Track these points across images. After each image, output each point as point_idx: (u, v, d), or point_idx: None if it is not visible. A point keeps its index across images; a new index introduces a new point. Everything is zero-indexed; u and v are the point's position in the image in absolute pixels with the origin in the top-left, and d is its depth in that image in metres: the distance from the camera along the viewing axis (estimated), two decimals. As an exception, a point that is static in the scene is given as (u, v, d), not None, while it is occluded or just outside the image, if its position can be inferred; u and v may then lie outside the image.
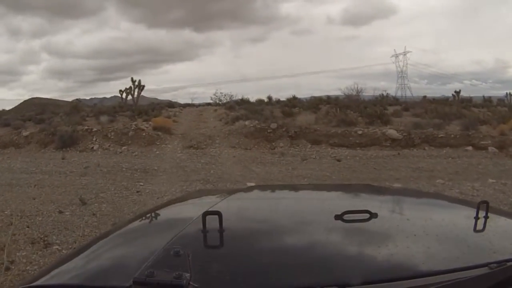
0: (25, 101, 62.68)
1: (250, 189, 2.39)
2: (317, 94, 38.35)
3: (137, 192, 8.97)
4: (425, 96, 43.70)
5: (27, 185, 10.00)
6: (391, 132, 15.81)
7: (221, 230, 1.09)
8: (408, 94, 47.94)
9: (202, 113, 29.19)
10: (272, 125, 15.04)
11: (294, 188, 3.04)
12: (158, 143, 15.30)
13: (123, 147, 15.08)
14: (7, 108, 47.33)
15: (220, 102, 36.71)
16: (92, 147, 15.57)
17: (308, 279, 0.92)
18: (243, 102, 34.45)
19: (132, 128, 15.66)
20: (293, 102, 33.30)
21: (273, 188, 2.86)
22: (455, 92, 39.54)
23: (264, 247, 1.14)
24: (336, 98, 35.60)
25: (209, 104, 43.24)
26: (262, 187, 3.05)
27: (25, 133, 18.06)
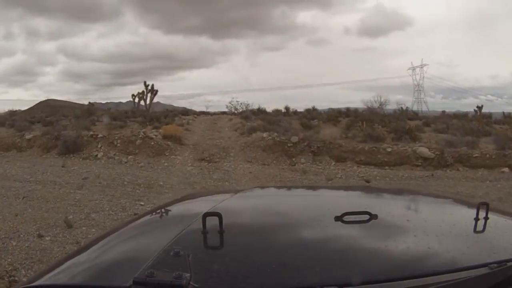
0: (40, 102, 62.11)
1: (250, 190, 2.36)
2: (333, 106, 37.12)
3: (135, 215, 7.57)
4: (443, 111, 41.70)
5: (15, 196, 8.91)
6: (423, 150, 14.22)
7: (221, 231, 1.08)
8: (424, 108, 46.19)
9: (217, 121, 27.92)
10: (293, 139, 13.63)
11: (294, 189, 3.10)
12: (167, 154, 13.99)
13: (129, 157, 13.81)
14: (23, 108, 46.53)
15: (236, 111, 35.29)
16: (96, 155, 14.35)
17: (308, 279, 0.92)
18: (259, 112, 33.12)
19: (140, 136, 14.39)
20: (312, 113, 31.83)
21: (273, 189, 2.97)
22: (477, 107, 37.58)
23: (264, 248, 1.13)
24: (355, 110, 34.23)
25: (224, 112, 42.17)
26: (262, 188, 3.00)
27: (28, 136, 16.96)
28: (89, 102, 40.90)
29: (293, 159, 13.34)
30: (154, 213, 1.72)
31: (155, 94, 27.30)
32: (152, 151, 13.98)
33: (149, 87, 27.08)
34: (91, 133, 15.52)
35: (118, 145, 14.46)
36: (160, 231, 1.34)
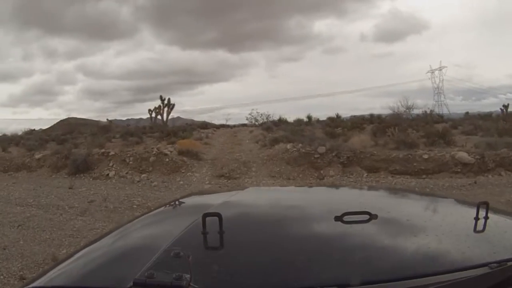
0: (61, 120, 62.33)
1: (250, 190, 2.35)
2: (353, 113, 35.60)
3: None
4: (467, 112, 40.71)
5: (10, 224, 7.97)
6: (462, 155, 12.70)
7: (221, 231, 1.09)
8: (445, 111, 44.26)
9: (237, 134, 26.77)
10: (319, 149, 12.32)
11: (294, 189, 3.20)
12: (183, 171, 12.83)
13: (142, 175, 12.71)
14: (44, 127, 46.46)
15: (256, 123, 34.06)
16: (107, 174, 13.33)
17: (308, 279, 0.92)
18: (281, 122, 31.87)
19: (154, 152, 13.28)
20: (336, 121, 30.43)
21: (273, 189, 3.13)
22: (504, 106, 35.71)
23: (264, 248, 1.13)
24: (379, 116, 33.07)
25: (244, 125, 41.36)
26: (262, 189, 3.15)
27: (37, 156, 16.12)
28: (107, 119, 40.22)
29: (321, 171, 12.02)
30: (154, 214, 1.68)
31: (172, 108, 26.29)
32: (167, 168, 12.86)
33: (166, 101, 26.08)
34: (102, 150, 14.47)
35: (131, 162, 13.41)
36: (160, 232, 1.34)
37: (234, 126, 41.12)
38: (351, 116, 37.35)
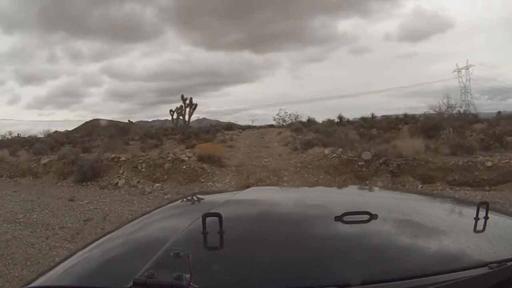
0: (86, 122, 61.89)
1: (250, 190, 2.34)
2: (378, 113, 33.42)
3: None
4: (499, 112, 38.63)
5: None
6: (532, 161, 10.56)
7: (221, 231, 1.08)
8: (473, 111, 41.58)
9: (264, 136, 24.87)
10: (364, 155, 10.27)
11: (294, 189, 3.20)
12: (202, 180, 10.99)
13: (156, 184, 10.96)
14: (70, 128, 45.75)
15: (284, 123, 31.92)
16: (117, 183, 11.67)
17: (308, 279, 0.92)
18: (310, 123, 29.77)
19: (169, 158, 11.47)
20: (369, 122, 28.15)
21: (273, 189, 3.07)
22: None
23: (264, 248, 1.12)
24: (413, 116, 31.39)
25: (271, 125, 39.55)
26: (262, 189, 3.05)
27: (44, 161, 14.62)
28: (128, 120, 38.90)
29: (367, 182, 9.98)
30: (154, 214, 1.64)
31: (194, 109, 24.43)
32: (184, 177, 11.05)
33: (187, 101, 24.31)
34: (113, 155, 12.77)
35: (143, 170, 11.68)
36: (160, 232, 1.34)
37: (260, 127, 39.54)
38: (382, 116, 34.94)
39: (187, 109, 24.45)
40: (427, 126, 20.72)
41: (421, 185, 10.15)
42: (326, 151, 10.78)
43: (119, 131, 27.69)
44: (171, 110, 25.65)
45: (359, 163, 10.11)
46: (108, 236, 1.38)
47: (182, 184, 10.81)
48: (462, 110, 31.45)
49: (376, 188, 2.81)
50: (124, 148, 20.42)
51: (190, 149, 13.39)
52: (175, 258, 0.94)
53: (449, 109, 26.89)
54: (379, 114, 34.13)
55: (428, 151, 13.30)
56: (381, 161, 10.30)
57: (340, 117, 31.79)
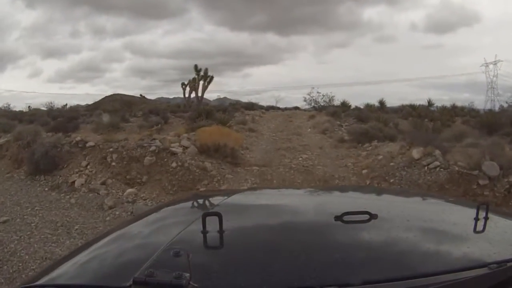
0: (106, 96, 59.04)
1: (250, 190, 2.36)
2: (401, 103, 29.24)
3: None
4: None
5: None
6: None
7: (221, 231, 1.07)
8: (498, 107, 37.75)
9: (292, 119, 20.50)
10: (487, 168, 5.75)
11: (294, 189, 3.12)
12: (202, 188, 6.70)
13: (128, 190, 6.82)
14: (90, 102, 42.95)
15: (317, 106, 27.11)
16: (73, 182, 7.51)
17: (308, 279, 0.91)
18: (344, 107, 25.17)
19: (152, 149, 7.23)
20: (419, 110, 23.39)
21: (273, 189, 2.99)
22: None
23: (264, 248, 1.11)
24: (462, 108, 28.51)
25: (296, 107, 35.11)
26: (262, 189, 2.95)
27: (1, 141, 10.59)
28: (140, 95, 34.77)
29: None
30: (154, 213, 1.64)
31: (209, 82, 20.04)
32: (173, 180, 6.79)
33: (202, 73, 19.93)
34: (78, 138, 8.63)
35: (113, 163, 7.49)
36: (160, 231, 1.30)
37: (286, 109, 35.24)
38: (419, 105, 30.39)
39: (201, 82, 20.06)
40: (490, 121, 16.86)
41: None
42: (415, 153, 6.31)
43: (124, 105, 23.65)
44: (183, 83, 21.39)
45: (480, 182, 5.65)
46: (108, 235, 1.34)
47: (169, 193, 6.57)
48: (506, 106, 27.44)
49: (376, 188, 2.91)
50: (120, 127, 16.59)
51: (189, 134, 9.03)
52: (175, 257, 0.91)
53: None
54: (401, 103, 30.08)
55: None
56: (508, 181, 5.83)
57: (382, 102, 26.96)
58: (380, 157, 7.23)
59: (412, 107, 25.24)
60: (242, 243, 1.14)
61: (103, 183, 7.23)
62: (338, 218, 1.15)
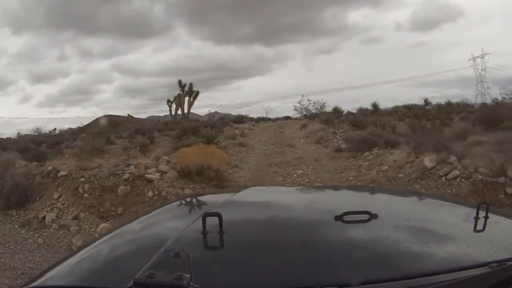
0: (97, 118, 58.77)
1: (250, 190, 2.27)
2: (394, 104, 29.38)
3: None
4: None
5: None
6: None
7: (221, 231, 1.06)
8: (488, 100, 37.65)
9: (283, 129, 19.73)
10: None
11: (294, 189, 3.11)
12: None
13: (102, 225, 6.01)
14: (81, 125, 43.05)
15: (308, 114, 26.25)
16: (44, 217, 6.70)
17: (308, 279, 0.90)
18: (337, 112, 24.43)
19: (125, 176, 6.40)
20: (415, 110, 22.70)
21: (273, 189, 3.01)
22: None
23: (264, 248, 1.10)
24: (458, 104, 27.90)
25: (287, 117, 34.29)
26: (262, 189, 2.99)
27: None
28: (128, 114, 33.88)
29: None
30: (154, 214, 1.62)
31: (195, 97, 19.24)
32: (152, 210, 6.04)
33: (186, 88, 19.09)
34: (50, 168, 7.79)
35: (86, 195, 6.66)
36: (160, 231, 1.31)
37: (276, 119, 34.50)
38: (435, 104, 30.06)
39: (186, 98, 19.26)
40: (489, 116, 16.71)
41: None
42: (428, 161, 5.50)
43: (109, 126, 22.76)
44: (168, 101, 20.60)
45: (507, 190, 4.87)
46: (108, 236, 1.32)
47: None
48: (501, 99, 27.05)
49: (376, 188, 2.80)
50: (104, 150, 15.72)
51: (172, 156, 8.17)
52: (175, 258, 0.89)
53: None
54: (393, 104, 29.79)
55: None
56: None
57: (375, 105, 26.25)
58: (385, 167, 6.46)
59: (407, 107, 24.62)
60: (242, 244, 1.11)
61: (75, 218, 6.42)
62: (338, 218, 1.14)
